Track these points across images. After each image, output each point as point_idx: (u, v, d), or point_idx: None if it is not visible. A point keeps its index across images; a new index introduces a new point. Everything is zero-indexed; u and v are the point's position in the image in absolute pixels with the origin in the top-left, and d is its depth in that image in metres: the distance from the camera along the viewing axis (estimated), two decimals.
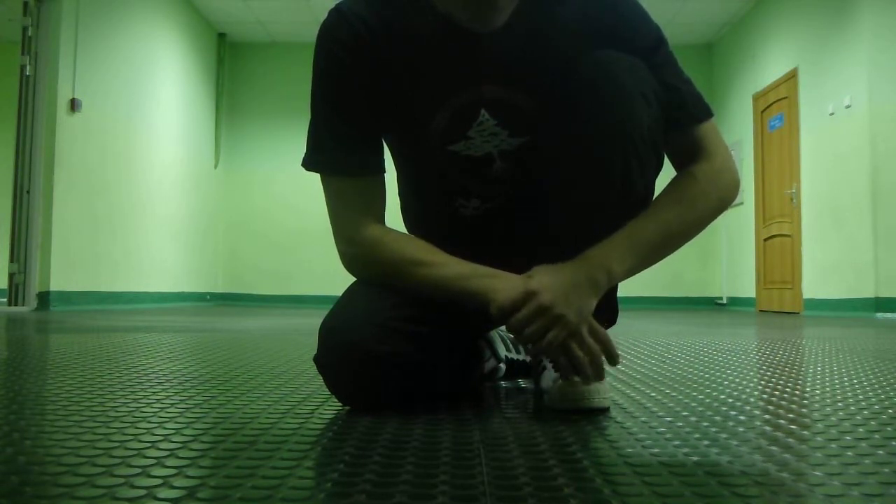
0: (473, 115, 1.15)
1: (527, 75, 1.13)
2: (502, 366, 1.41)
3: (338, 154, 1.15)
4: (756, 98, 7.88)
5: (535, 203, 1.21)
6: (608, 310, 1.22)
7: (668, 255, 1.15)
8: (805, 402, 1.24)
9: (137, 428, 0.95)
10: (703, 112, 1.16)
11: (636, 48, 1.12)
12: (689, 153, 1.16)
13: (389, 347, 1.09)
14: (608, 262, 1.08)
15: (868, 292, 5.77)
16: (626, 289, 6.14)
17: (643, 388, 1.39)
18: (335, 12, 1.15)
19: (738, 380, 1.53)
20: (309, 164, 1.17)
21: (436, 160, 1.20)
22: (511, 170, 1.20)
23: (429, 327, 1.13)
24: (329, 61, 1.14)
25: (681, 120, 1.14)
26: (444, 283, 1.11)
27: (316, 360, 1.14)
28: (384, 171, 1.19)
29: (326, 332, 1.13)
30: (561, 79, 1.10)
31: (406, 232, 1.31)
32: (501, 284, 1.07)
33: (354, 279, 1.22)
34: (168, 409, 1.10)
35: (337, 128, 1.15)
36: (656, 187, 1.15)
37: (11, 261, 5.54)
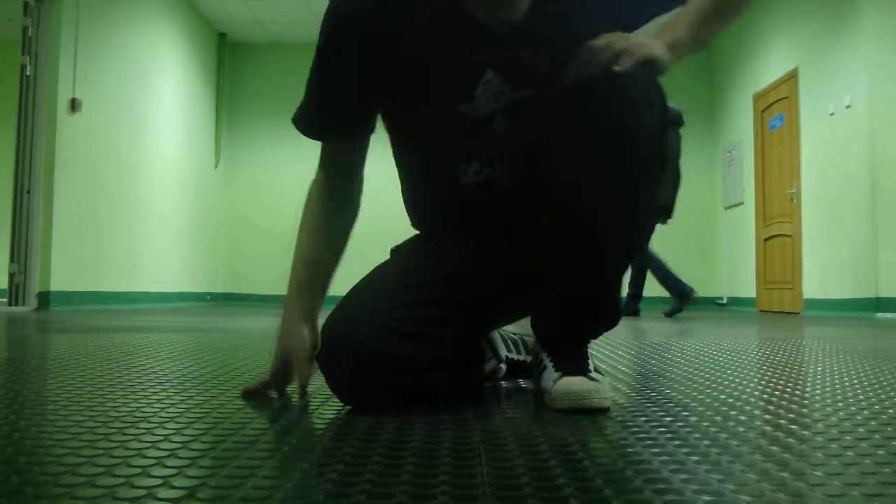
0: (479, 75, 1.16)
1: (533, 35, 1.15)
2: (503, 366, 1.41)
3: (318, 118, 1.25)
4: (756, 98, 7.88)
5: (534, 193, 1.19)
6: (611, 312, 1.22)
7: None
8: (805, 402, 1.24)
9: (137, 428, 0.95)
10: None
11: None
12: None
13: (391, 348, 1.10)
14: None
15: (868, 292, 5.77)
16: (626, 289, 6.16)
17: (643, 388, 1.39)
18: None
19: (738, 380, 1.53)
20: (294, 119, 1.28)
21: (440, 124, 1.21)
22: (511, 126, 1.20)
23: (430, 328, 1.14)
24: (332, 36, 1.18)
25: None
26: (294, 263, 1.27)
27: (318, 358, 1.15)
28: (357, 142, 1.27)
29: (329, 331, 1.14)
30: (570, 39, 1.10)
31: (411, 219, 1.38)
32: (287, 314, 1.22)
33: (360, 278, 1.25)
34: (168, 409, 1.10)
35: (324, 96, 1.23)
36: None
37: (12, 261, 5.54)
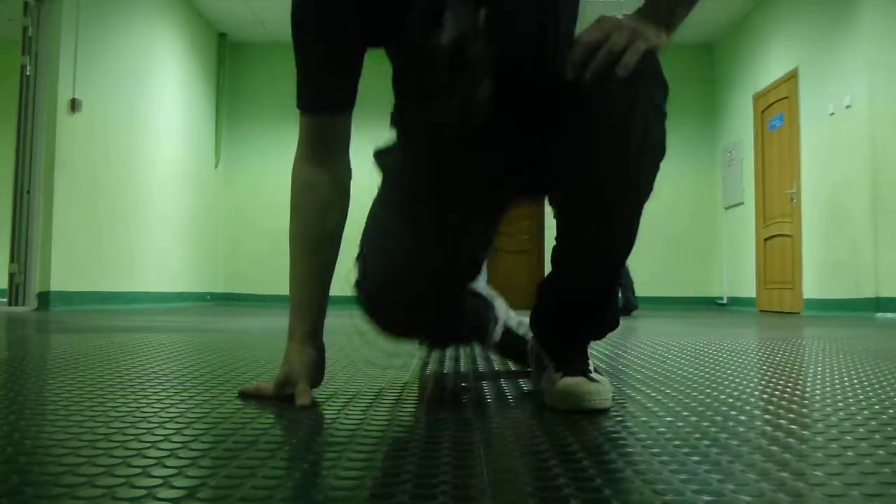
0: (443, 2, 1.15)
1: None
2: (499, 328, 1.50)
3: (307, 87, 1.29)
4: (756, 98, 7.88)
5: (518, 119, 1.22)
6: (609, 314, 1.26)
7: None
8: (805, 402, 1.24)
9: (137, 428, 0.95)
10: None
11: None
12: None
13: (417, 300, 1.20)
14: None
15: (868, 292, 5.77)
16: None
17: (643, 388, 1.39)
18: None
19: (738, 380, 1.53)
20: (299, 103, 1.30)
21: (420, 55, 1.19)
22: (483, 48, 1.16)
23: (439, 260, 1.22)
24: None
25: None
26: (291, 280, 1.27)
27: (357, 286, 1.23)
28: (343, 112, 1.29)
29: (362, 277, 1.23)
30: None
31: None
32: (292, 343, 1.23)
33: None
34: (168, 409, 1.10)
35: (307, 61, 1.28)
36: None
37: (12, 261, 5.54)
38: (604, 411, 1.12)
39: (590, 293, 1.21)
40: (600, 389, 1.13)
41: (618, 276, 1.23)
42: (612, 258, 1.18)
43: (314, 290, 1.26)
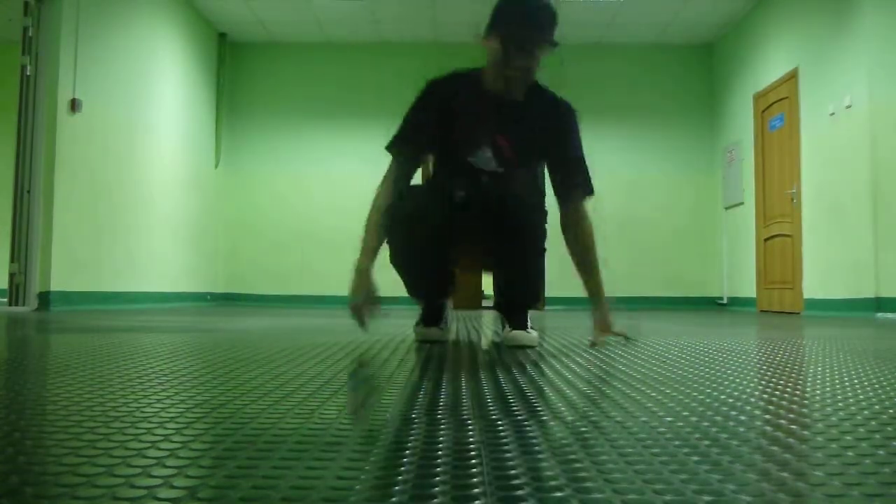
0: (481, 148, 2.38)
1: (517, 134, 2.38)
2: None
3: (411, 141, 2.43)
4: (756, 98, 7.88)
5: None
6: (530, 295, 2.52)
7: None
8: (805, 402, 1.24)
9: (137, 428, 0.95)
10: (589, 190, 2.48)
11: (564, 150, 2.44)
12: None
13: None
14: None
15: (868, 292, 5.77)
16: (626, 288, 6.36)
17: (643, 388, 1.39)
18: (442, 78, 2.44)
19: (738, 380, 1.53)
20: (392, 145, 2.44)
21: (453, 162, 2.44)
22: (490, 180, 2.39)
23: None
24: (428, 96, 2.43)
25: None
26: (368, 242, 2.40)
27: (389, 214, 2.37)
28: (419, 161, 2.54)
29: (390, 222, 2.36)
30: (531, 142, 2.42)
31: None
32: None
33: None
34: (168, 409, 1.10)
35: (415, 126, 2.44)
36: None
37: (12, 261, 5.54)
38: (533, 348, 2.23)
39: (512, 284, 2.50)
40: (532, 337, 2.34)
41: (535, 276, 2.51)
42: (521, 291, 2.49)
43: (378, 246, 2.34)
